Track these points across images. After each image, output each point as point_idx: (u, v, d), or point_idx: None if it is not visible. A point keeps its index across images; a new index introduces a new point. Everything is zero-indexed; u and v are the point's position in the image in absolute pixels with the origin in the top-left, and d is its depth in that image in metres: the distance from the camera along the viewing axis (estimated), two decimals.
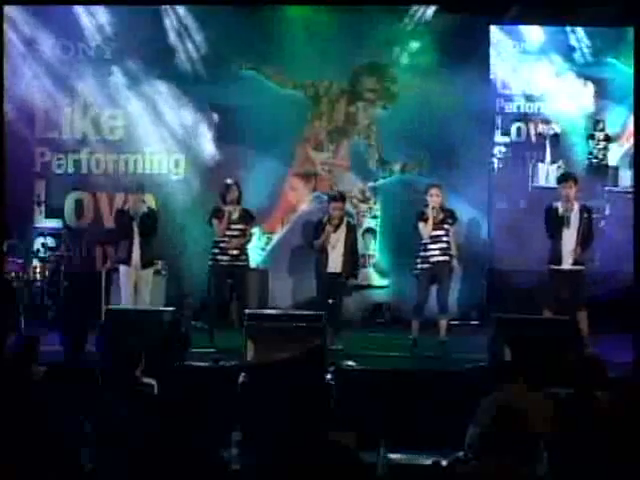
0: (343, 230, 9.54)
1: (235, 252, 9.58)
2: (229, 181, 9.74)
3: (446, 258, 9.41)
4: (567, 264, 9.15)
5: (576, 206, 9.21)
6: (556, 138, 13.04)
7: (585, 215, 9.22)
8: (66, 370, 6.24)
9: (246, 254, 9.75)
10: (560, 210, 9.20)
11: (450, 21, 11.44)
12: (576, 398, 5.57)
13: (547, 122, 13.05)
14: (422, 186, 10.07)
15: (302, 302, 10.14)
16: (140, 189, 9.73)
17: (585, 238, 9.19)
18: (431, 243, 9.41)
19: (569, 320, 8.60)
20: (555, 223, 9.20)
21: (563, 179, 9.44)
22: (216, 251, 9.60)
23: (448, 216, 9.50)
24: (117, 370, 6.31)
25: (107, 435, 5.27)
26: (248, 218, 9.70)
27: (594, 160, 13.00)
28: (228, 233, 9.55)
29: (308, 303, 9.65)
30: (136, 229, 9.41)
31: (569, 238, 9.13)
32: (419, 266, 9.42)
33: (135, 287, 9.47)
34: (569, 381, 5.86)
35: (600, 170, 12.95)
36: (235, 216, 9.58)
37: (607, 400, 5.43)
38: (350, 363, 8.52)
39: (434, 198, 9.40)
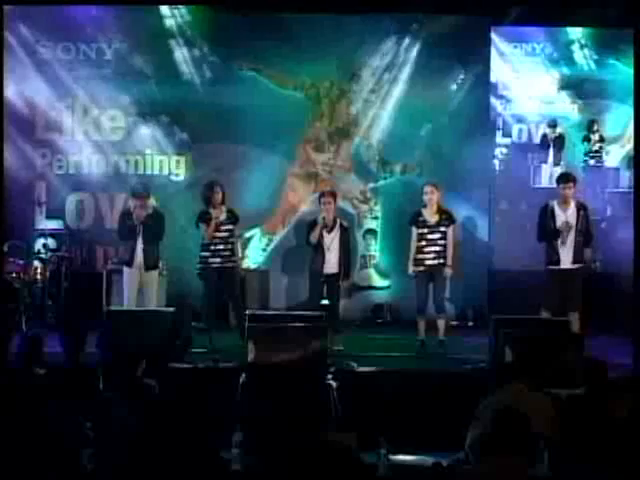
0: (337, 231, 9.51)
1: (226, 253, 9.57)
2: (211, 182, 9.66)
3: (440, 261, 9.37)
4: (566, 264, 9.07)
5: (572, 204, 9.14)
6: (557, 139, 13.04)
7: (582, 213, 9.13)
8: (66, 371, 6.24)
9: (235, 255, 9.71)
10: (557, 210, 9.15)
11: (451, 22, 11.44)
12: (577, 399, 5.57)
13: (548, 123, 13.05)
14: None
15: (303, 303, 10.11)
16: (146, 192, 9.54)
17: (584, 235, 9.11)
18: (426, 246, 9.38)
19: (568, 321, 8.59)
20: (552, 223, 9.11)
21: (563, 179, 9.28)
22: (206, 254, 9.55)
23: (445, 218, 9.45)
24: (118, 371, 6.31)
25: (107, 435, 5.27)
26: (234, 219, 9.66)
27: (591, 161, 13.01)
28: (217, 235, 9.53)
29: (308, 304, 9.62)
30: (140, 231, 9.39)
31: (567, 238, 9.06)
32: (415, 268, 9.42)
33: (140, 289, 9.42)
34: (570, 382, 5.86)
35: (598, 171, 12.94)
36: (222, 218, 9.56)
37: (607, 400, 5.43)
38: (352, 364, 8.53)
39: (429, 196, 9.37)
